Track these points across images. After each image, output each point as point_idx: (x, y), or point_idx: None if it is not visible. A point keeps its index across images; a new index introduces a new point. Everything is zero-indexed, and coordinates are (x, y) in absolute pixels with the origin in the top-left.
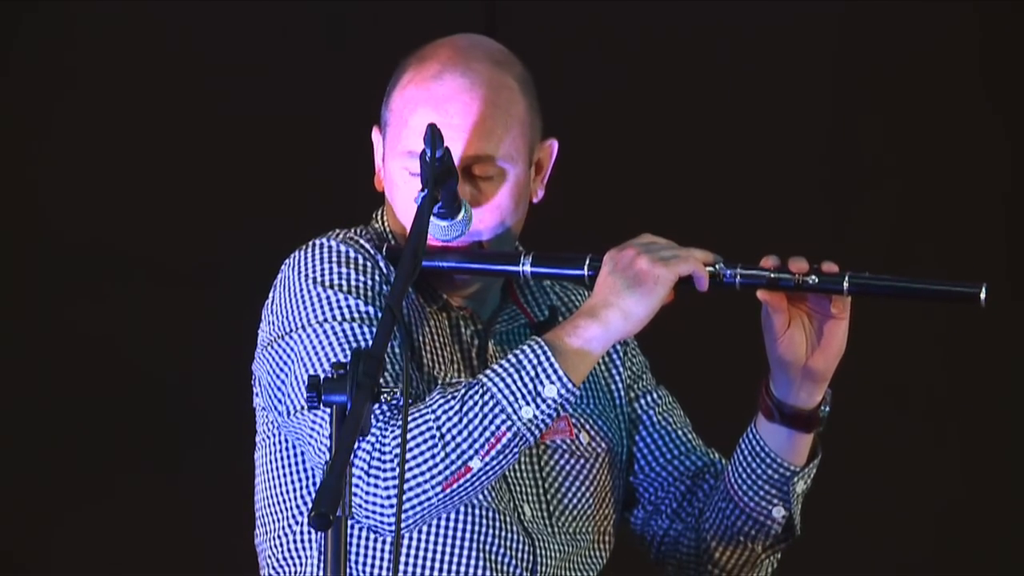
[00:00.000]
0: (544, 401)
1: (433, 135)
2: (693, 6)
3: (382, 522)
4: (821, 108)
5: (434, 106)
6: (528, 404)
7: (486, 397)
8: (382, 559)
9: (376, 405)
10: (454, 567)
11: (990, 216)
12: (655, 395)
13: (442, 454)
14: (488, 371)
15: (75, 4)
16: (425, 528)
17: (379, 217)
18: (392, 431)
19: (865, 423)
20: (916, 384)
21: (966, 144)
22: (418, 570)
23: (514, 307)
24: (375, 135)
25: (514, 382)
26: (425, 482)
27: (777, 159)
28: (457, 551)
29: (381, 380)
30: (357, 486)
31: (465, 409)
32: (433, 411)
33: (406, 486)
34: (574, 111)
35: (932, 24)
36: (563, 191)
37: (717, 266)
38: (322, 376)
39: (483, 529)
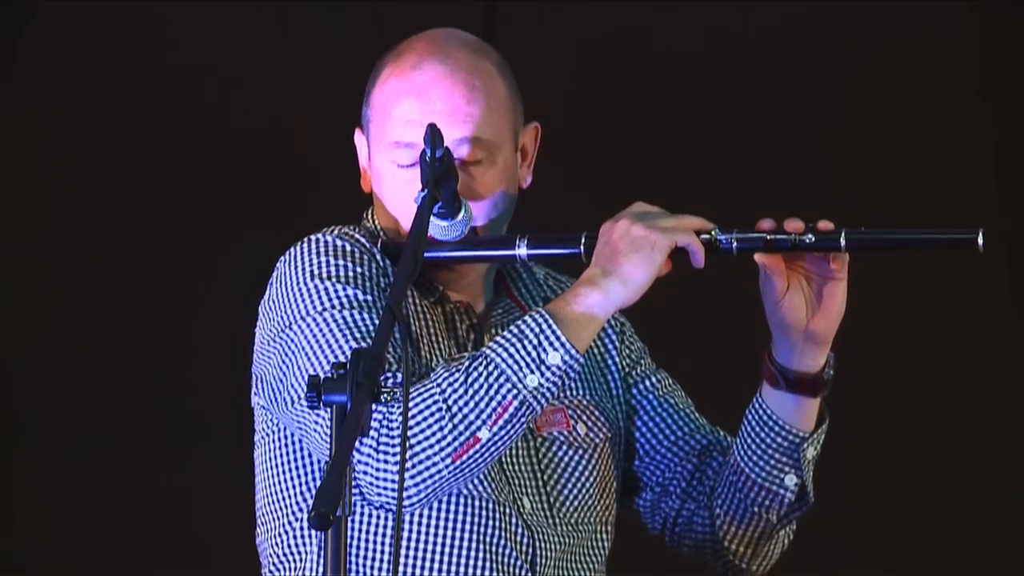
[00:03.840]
0: (548, 368)
1: (433, 135)
2: (692, 6)
3: (393, 498)
4: (818, 101)
5: (416, 95)
6: (533, 372)
7: (491, 368)
8: (382, 552)
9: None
10: (455, 559)
11: (987, 212)
12: (654, 379)
13: (450, 426)
14: (491, 343)
15: (76, 4)
16: (425, 520)
17: (369, 217)
18: (399, 407)
19: (854, 426)
20: (911, 379)
21: (964, 139)
22: (419, 562)
23: (509, 300)
24: (358, 137)
25: (517, 351)
26: (435, 454)
27: (774, 153)
28: (458, 543)
29: (381, 375)
30: (367, 464)
31: (471, 380)
32: (439, 384)
33: (415, 460)
34: (573, 110)
35: (930, 16)
36: (562, 188)
37: (713, 232)
38: (322, 376)
39: (483, 520)
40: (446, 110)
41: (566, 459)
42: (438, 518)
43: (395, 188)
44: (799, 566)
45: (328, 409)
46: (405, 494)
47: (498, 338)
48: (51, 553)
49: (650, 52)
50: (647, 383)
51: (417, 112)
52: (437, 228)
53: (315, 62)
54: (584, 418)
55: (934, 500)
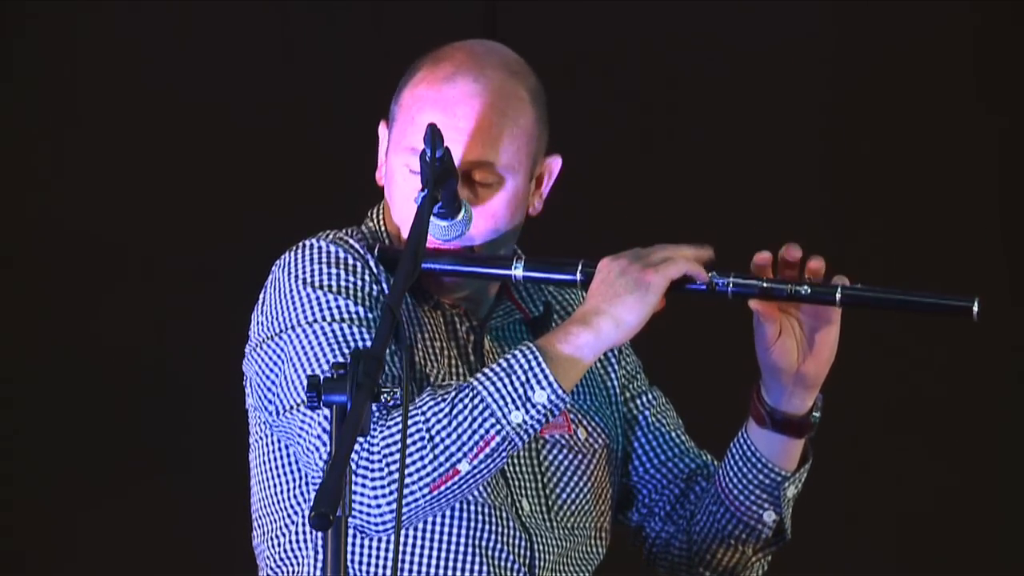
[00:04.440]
0: (534, 407)
1: (433, 135)
2: (692, 7)
3: (368, 522)
4: (817, 111)
5: (442, 108)
6: (518, 409)
7: (476, 401)
8: (377, 557)
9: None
10: (451, 564)
11: (986, 219)
12: (649, 396)
13: (430, 456)
14: (479, 375)
15: (76, 4)
16: (421, 525)
17: (375, 215)
18: (381, 431)
19: (856, 429)
20: (907, 389)
21: (962, 146)
22: (415, 568)
23: (509, 303)
24: (382, 129)
25: (504, 387)
26: (413, 483)
27: (774, 163)
28: (454, 548)
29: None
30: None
31: (455, 412)
32: (423, 413)
33: (393, 487)
34: (573, 112)
35: (928, 24)
36: (561, 191)
37: (711, 274)
38: (322, 376)
39: (480, 526)
40: (468, 129)
41: (565, 462)
42: (434, 523)
43: (403, 192)
44: (801, 566)
45: (317, 417)
46: (380, 519)
47: (486, 370)
48: (50, 553)
49: (651, 54)
50: (642, 399)
51: (440, 125)
52: (437, 228)
53: (315, 62)
54: (585, 423)
55: (936, 503)
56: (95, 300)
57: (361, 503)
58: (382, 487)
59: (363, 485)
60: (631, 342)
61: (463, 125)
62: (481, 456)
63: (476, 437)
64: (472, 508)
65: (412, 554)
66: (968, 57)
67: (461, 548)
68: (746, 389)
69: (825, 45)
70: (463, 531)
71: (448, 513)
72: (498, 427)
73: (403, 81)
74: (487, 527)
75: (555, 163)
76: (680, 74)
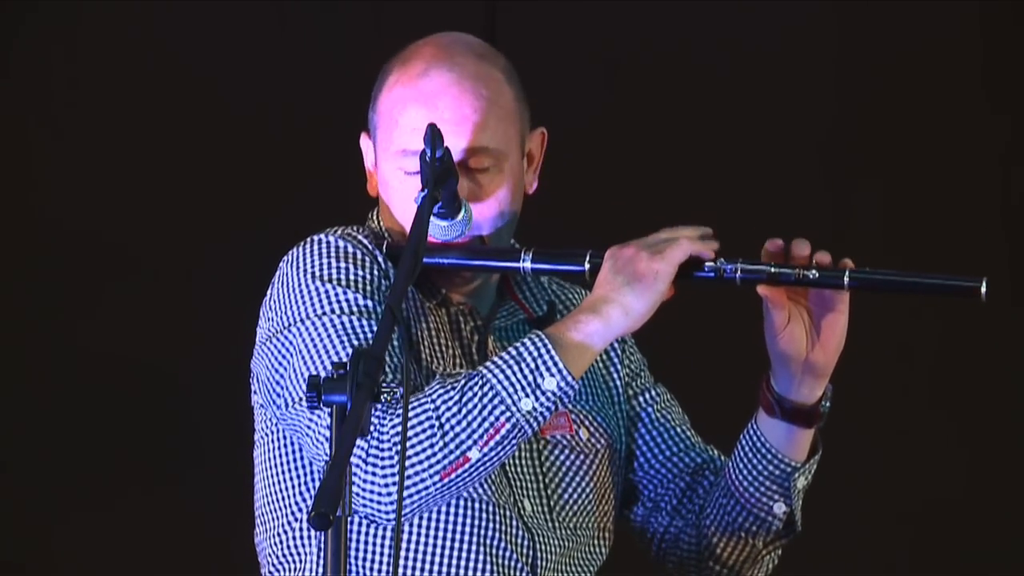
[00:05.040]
0: (543, 393)
1: (433, 135)
2: (691, 6)
3: (379, 511)
4: (821, 104)
5: (423, 102)
6: (528, 396)
7: (486, 388)
8: (382, 554)
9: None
10: (455, 561)
11: (989, 213)
12: (653, 392)
13: (440, 443)
14: (488, 363)
15: (76, 4)
16: (425, 522)
17: (375, 218)
18: (390, 420)
19: (865, 420)
20: (915, 380)
21: (966, 140)
22: (419, 564)
23: (513, 303)
24: (363, 141)
25: (514, 374)
26: (423, 471)
27: (776, 155)
28: (458, 545)
29: (381, 377)
30: (355, 475)
31: (464, 400)
32: (432, 400)
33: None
34: (573, 111)
35: (933, 19)
36: (562, 189)
37: (718, 261)
38: (322, 376)
39: (483, 523)
40: (453, 119)
41: (567, 463)
42: (438, 520)
43: (403, 195)
44: (806, 567)
45: (325, 410)
46: (391, 506)
47: (495, 358)
48: (52, 553)
49: (650, 52)
50: (646, 396)
51: (424, 120)
52: (437, 228)
53: (315, 62)
54: (587, 423)
55: (945, 496)
56: (96, 299)
57: (372, 491)
58: (393, 474)
59: (373, 473)
60: (635, 339)
61: (448, 115)
62: (491, 443)
63: (486, 424)
64: (477, 506)
65: (417, 550)
66: (974, 53)
67: (466, 545)
68: (754, 383)
69: (828, 39)
70: (468, 528)
71: (452, 510)
72: (508, 414)
73: (376, 88)
74: (491, 525)
75: (542, 136)
76: (681, 71)
